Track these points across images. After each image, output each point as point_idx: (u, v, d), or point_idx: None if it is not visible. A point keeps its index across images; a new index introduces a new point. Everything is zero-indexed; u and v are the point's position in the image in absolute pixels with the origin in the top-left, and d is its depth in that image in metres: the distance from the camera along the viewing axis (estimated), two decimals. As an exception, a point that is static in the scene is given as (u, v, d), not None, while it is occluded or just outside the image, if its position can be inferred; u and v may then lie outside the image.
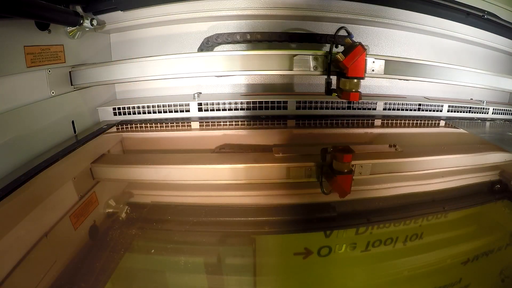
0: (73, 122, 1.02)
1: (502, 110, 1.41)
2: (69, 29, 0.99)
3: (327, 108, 1.28)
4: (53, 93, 0.94)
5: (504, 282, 0.53)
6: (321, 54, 0.99)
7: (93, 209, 0.67)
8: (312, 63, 1.00)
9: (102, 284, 0.48)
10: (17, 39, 0.81)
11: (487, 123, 1.33)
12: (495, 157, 0.98)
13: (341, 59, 0.91)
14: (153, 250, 0.57)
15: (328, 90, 1.01)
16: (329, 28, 1.30)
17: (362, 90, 1.37)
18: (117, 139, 1.08)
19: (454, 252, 0.60)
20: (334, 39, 0.97)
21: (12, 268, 0.49)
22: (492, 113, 1.39)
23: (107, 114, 1.22)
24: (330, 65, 0.97)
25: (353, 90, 0.94)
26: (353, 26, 1.30)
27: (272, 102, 1.24)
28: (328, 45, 1.27)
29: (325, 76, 1.00)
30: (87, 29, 1.02)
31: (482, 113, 1.38)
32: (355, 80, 0.93)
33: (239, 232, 0.65)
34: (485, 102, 1.39)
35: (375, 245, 0.59)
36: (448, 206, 0.73)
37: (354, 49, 0.90)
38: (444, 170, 0.92)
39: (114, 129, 1.13)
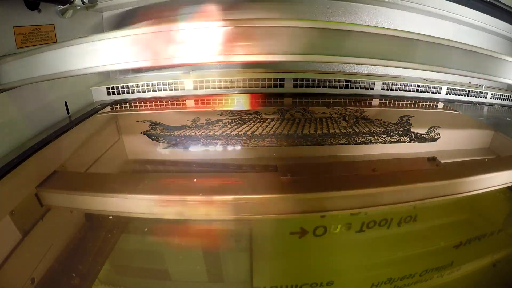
0: (66, 103, 0.99)
1: (500, 95, 1.40)
2: (60, 7, 0.94)
3: (324, 86, 1.25)
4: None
5: (495, 266, 0.54)
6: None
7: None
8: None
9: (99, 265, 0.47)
10: (6, 20, 0.77)
11: (485, 108, 1.33)
12: (491, 142, 0.98)
13: None
14: (146, 229, 0.56)
15: None
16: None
17: (360, 69, 1.37)
18: (111, 119, 1.06)
19: (447, 236, 0.61)
20: None
21: (8, 252, 0.48)
22: (491, 98, 1.38)
23: (101, 94, 1.18)
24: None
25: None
26: (352, 4, 1.25)
27: (269, 80, 1.22)
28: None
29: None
30: (78, 7, 0.97)
31: (481, 97, 1.37)
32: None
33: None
34: (484, 86, 1.38)
35: (370, 226, 0.59)
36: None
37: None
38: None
39: (108, 109, 1.11)
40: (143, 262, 0.51)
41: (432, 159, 0.84)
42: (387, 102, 1.24)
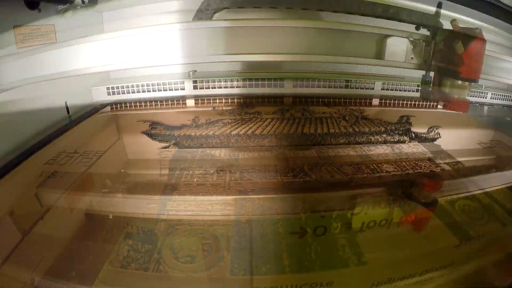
0: (66, 103, 0.99)
1: (500, 95, 1.40)
2: (60, 7, 0.94)
3: (324, 86, 1.25)
4: (44, 73, 0.90)
5: (495, 266, 0.54)
6: (419, 38, 0.71)
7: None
8: (407, 51, 0.70)
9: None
10: (6, 20, 0.77)
11: (485, 108, 1.32)
12: (491, 142, 0.98)
13: (459, 50, 0.63)
14: (146, 229, 0.56)
15: (426, 93, 0.74)
16: None
17: (360, 69, 1.36)
18: (111, 119, 1.06)
19: (447, 236, 0.61)
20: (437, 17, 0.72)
21: (8, 252, 0.49)
22: (491, 98, 1.38)
23: (101, 94, 1.17)
24: (431, 57, 0.70)
25: (462, 97, 0.68)
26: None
27: (269, 80, 1.22)
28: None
29: (422, 72, 0.73)
30: (78, 7, 0.97)
31: (481, 97, 1.37)
32: (467, 84, 0.68)
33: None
34: (484, 86, 1.38)
35: (370, 226, 0.59)
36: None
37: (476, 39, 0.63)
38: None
39: (108, 109, 1.10)
40: (143, 262, 0.51)
41: (432, 159, 0.84)
42: (387, 102, 1.24)
